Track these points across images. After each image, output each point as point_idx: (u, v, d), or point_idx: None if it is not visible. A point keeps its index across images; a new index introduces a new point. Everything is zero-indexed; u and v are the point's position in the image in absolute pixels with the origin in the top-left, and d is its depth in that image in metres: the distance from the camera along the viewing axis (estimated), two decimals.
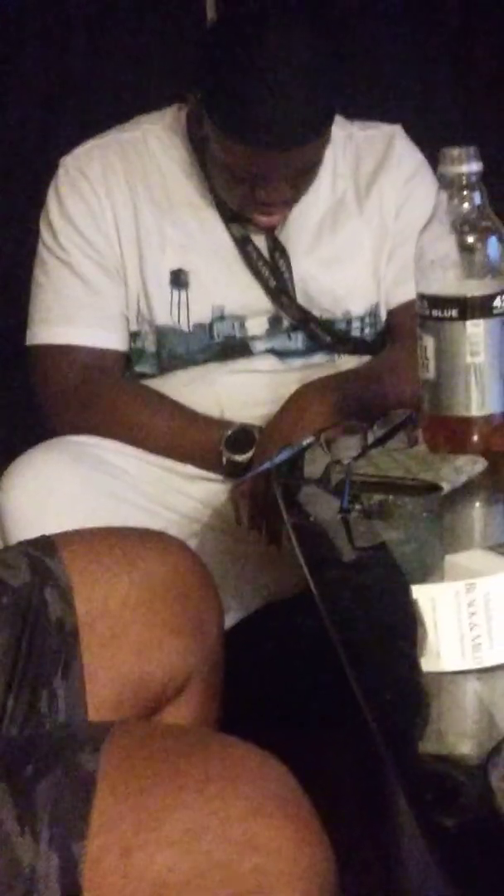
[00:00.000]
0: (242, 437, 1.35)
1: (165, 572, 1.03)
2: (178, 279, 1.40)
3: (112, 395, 1.41)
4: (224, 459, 1.36)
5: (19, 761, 0.79)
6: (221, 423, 1.37)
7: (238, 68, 1.26)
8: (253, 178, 1.31)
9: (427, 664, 0.75)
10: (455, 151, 1.05)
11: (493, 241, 1.06)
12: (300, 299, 1.42)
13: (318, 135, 1.31)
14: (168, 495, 1.40)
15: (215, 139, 1.31)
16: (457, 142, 1.06)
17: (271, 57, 1.26)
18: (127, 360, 1.45)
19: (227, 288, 1.40)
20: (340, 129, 1.38)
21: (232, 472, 1.36)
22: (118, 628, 1.00)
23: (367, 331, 1.44)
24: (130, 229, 1.40)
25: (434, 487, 1.01)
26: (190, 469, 1.40)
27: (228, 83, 1.27)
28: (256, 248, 1.40)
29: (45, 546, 1.03)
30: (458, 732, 0.73)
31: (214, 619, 1.07)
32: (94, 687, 0.97)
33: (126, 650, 0.99)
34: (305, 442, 1.15)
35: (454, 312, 1.05)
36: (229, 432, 1.36)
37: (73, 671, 0.97)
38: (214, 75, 1.30)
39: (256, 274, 1.40)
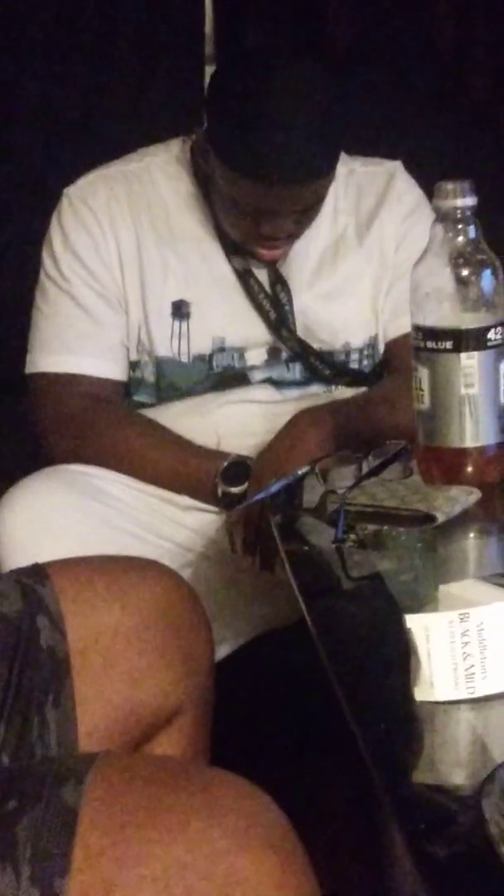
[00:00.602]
0: (238, 469, 1.36)
1: (156, 601, 1.03)
2: (180, 310, 1.41)
3: (109, 424, 1.41)
4: (219, 491, 1.36)
5: (1, 795, 0.79)
6: (217, 455, 1.38)
7: (246, 104, 1.27)
8: (258, 213, 1.32)
9: (420, 694, 0.75)
10: (450, 185, 1.06)
11: (487, 274, 1.07)
12: (300, 331, 1.43)
13: (325, 171, 1.33)
14: (163, 525, 1.41)
15: (221, 173, 1.32)
16: (452, 176, 1.08)
17: (279, 93, 1.27)
18: (125, 388, 1.46)
19: (227, 320, 1.41)
20: (342, 165, 1.39)
21: (227, 504, 1.36)
22: (110, 657, 0.99)
23: (365, 363, 1.45)
24: (133, 260, 1.41)
25: (428, 518, 1.01)
26: (185, 499, 1.40)
27: (236, 119, 1.28)
28: (258, 281, 1.41)
29: (37, 574, 1.03)
30: (451, 762, 0.73)
31: (205, 648, 1.07)
32: (85, 715, 0.97)
33: (117, 679, 0.99)
34: (301, 471, 1.15)
35: (449, 344, 1.06)
36: (225, 464, 1.36)
37: (64, 699, 0.97)
38: (222, 110, 1.31)
39: (257, 306, 1.41)
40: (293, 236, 1.37)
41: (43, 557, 1.09)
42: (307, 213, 1.35)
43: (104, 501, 1.37)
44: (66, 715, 0.96)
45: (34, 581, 1.02)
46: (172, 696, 1.02)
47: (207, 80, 1.98)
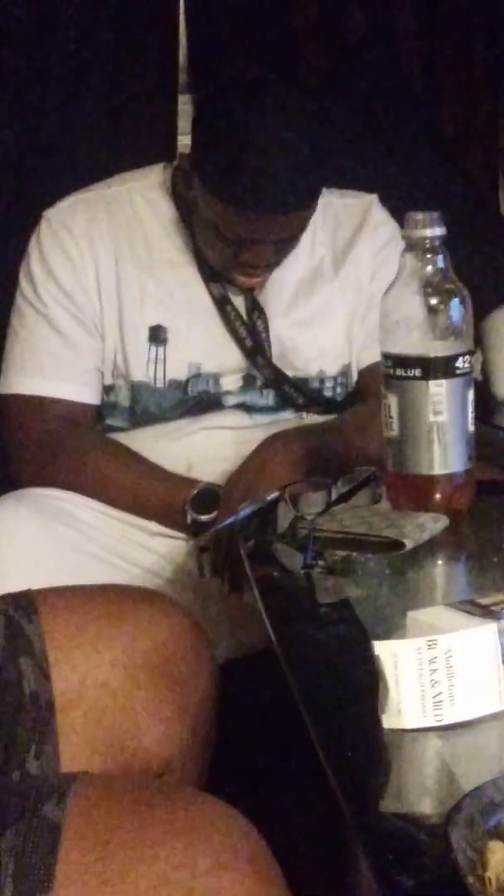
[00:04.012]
0: (207, 496, 1.35)
1: (154, 648, 0.99)
2: (157, 335, 1.41)
3: (81, 448, 1.41)
4: (189, 518, 1.36)
5: None
6: (187, 482, 1.37)
7: (233, 133, 1.28)
8: (239, 240, 1.33)
9: (388, 721, 0.75)
10: (419, 216, 1.08)
11: (455, 303, 1.08)
12: (276, 359, 1.43)
13: (309, 202, 1.34)
14: (131, 550, 1.40)
15: (205, 201, 1.33)
16: (422, 207, 1.09)
17: (266, 123, 1.28)
18: (98, 412, 1.45)
19: (204, 346, 1.42)
20: (320, 198, 1.40)
21: (196, 531, 1.35)
22: (94, 714, 0.96)
23: (339, 390, 1.46)
24: (111, 284, 1.41)
25: (397, 544, 1.01)
26: (153, 524, 1.40)
27: (223, 147, 1.29)
28: (235, 308, 1.42)
29: (25, 606, 0.99)
30: (418, 791, 0.73)
31: (206, 692, 1.02)
32: (70, 769, 0.93)
33: (101, 739, 0.95)
34: (270, 497, 1.15)
35: (417, 372, 1.07)
36: (194, 491, 1.36)
37: (47, 751, 0.93)
38: (208, 138, 1.32)
39: (234, 333, 1.41)
40: (272, 265, 1.38)
41: (10, 581, 1.07)
42: (288, 242, 1.36)
43: (72, 526, 1.36)
44: (50, 767, 0.93)
45: (20, 614, 0.98)
46: (161, 754, 0.98)
47: (181, 108, 2.01)
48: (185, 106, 2.02)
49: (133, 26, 1.95)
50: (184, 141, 1.94)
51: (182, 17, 2.00)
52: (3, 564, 1.25)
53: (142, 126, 1.96)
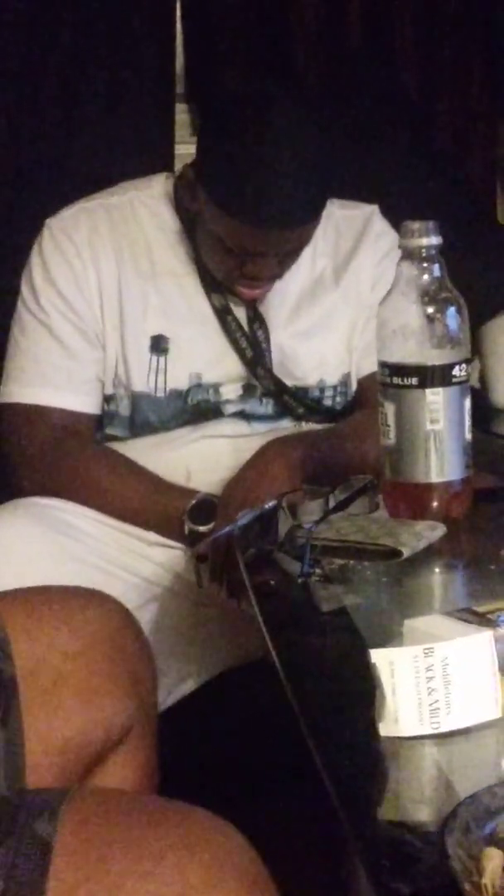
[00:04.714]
0: (206, 507, 1.36)
1: (101, 626, 1.05)
2: (158, 345, 1.42)
3: (80, 458, 1.41)
4: (186, 529, 1.36)
5: None
6: (185, 493, 1.38)
7: (240, 146, 1.28)
8: (244, 253, 1.33)
9: (385, 729, 0.75)
10: (416, 225, 1.08)
11: (451, 311, 1.08)
12: (276, 368, 1.44)
13: (314, 217, 1.34)
14: (129, 559, 1.40)
15: (210, 212, 1.33)
16: (420, 216, 1.09)
17: (274, 137, 1.29)
18: (98, 421, 1.45)
19: (205, 356, 1.42)
20: None
21: (194, 541, 1.36)
22: (60, 677, 1.00)
23: (338, 399, 1.47)
24: (113, 294, 1.41)
25: (394, 552, 1.01)
26: (152, 534, 1.40)
27: (230, 160, 1.29)
28: (236, 319, 1.42)
29: None
30: (415, 798, 0.73)
31: (148, 673, 1.08)
32: (37, 735, 0.97)
33: (68, 697, 1.00)
34: (268, 505, 1.16)
35: (414, 381, 1.07)
36: (192, 502, 1.36)
37: (11, 721, 0.96)
38: (215, 151, 1.32)
39: (234, 344, 1.42)
40: (276, 277, 1.39)
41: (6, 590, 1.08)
42: (291, 254, 1.37)
43: (71, 535, 1.36)
44: (14, 735, 0.95)
45: None
46: (122, 715, 1.02)
47: (178, 117, 2.02)
48: (182, 115, 2.03)
49: (130, 36, 1.96)
50: (181, 149, 1.95)
51: (179, 27, 2.01)
52: (0, 574, 1.25)
53: (140, 134, 1.97)
